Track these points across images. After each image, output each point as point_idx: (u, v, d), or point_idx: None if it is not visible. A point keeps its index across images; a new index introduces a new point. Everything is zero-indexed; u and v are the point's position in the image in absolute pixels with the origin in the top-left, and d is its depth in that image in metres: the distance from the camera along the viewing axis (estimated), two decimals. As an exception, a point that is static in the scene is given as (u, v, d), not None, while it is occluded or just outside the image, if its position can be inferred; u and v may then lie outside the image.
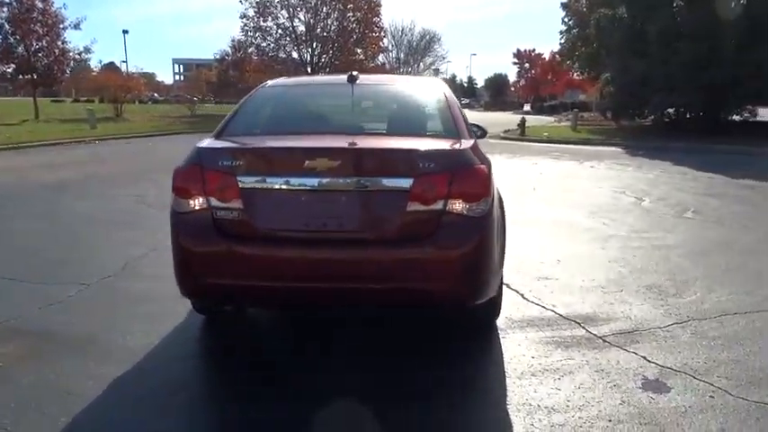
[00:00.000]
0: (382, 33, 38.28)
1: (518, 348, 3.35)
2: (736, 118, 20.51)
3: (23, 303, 3.96)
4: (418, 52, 51.59)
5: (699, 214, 7.45)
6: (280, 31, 38.69)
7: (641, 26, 19.26)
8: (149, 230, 6.14)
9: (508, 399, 2.79)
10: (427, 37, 50.95)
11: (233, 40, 40.86)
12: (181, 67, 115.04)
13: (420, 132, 3.25)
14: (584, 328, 3.65)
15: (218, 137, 3.24)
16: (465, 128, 3.32)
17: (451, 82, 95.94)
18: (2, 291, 4.26)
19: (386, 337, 3.60)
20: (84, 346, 3.34)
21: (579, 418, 2.62)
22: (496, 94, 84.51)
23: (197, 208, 2.88)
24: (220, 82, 43.40)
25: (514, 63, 79.95)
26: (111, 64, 59.51)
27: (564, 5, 31.40)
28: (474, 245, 2.84)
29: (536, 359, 3.22)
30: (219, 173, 2.84)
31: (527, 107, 59.52)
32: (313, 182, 2.79)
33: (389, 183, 2.80)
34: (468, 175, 2.84)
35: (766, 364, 3.13)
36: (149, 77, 49.38)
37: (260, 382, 2.99)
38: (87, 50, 31.12)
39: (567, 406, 2.72)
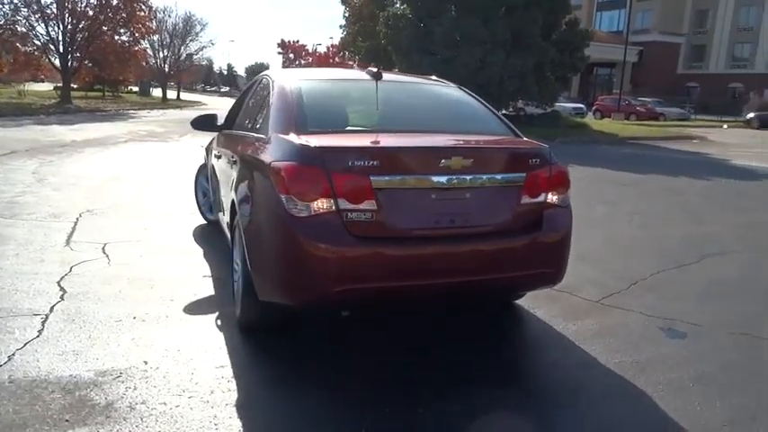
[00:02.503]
0: (151, 13, 34.85)
1: (557, 320, 3.81)
2: (504, 112, 24.25)
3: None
4: (181, 37, 48.24)
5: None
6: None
7: (426, 27, 21.38)
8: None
9: (603, 361, 3.24)
10: (191, 20, 47.97)
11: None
12: None
13: (497, 131, 3.50)
14: (577, 296, 4.27)
15: (299, 133, 2.98)
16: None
17: (209, 69, 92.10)
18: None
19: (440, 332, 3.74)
20: (180, 385, 2.77)
21: (691, 369, 3.18)
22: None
23: (323, 210, 2.68)
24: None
25: (279, 53, 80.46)
26: None
27: (343, 1, 32.97)
28: (567, 231, 3.26)
29: (577, 326, 3.71)
30: (351, 173, 2.70)
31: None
32: (444, 180, 2.85)
33: (509, 178, 3.04)
34: (559, 169, 3.23)
35: (741, 310, 4.10)
36: None
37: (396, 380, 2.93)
38: None
39: (667, 362, 3.25)
